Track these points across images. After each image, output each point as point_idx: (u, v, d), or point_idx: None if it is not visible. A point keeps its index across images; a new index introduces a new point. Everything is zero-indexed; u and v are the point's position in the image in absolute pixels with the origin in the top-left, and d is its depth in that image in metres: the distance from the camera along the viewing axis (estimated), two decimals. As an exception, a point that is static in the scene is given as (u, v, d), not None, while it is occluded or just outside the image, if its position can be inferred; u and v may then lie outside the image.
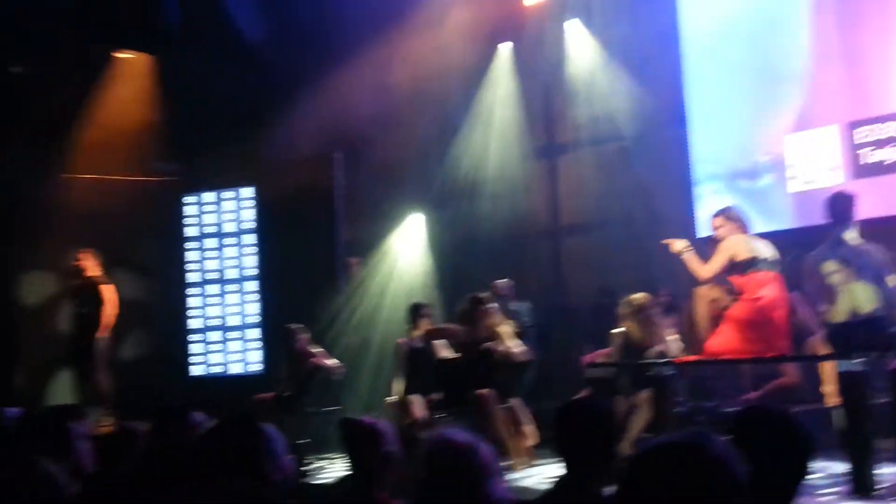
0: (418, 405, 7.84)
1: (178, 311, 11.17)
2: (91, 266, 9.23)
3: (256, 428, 2.43)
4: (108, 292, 9.00)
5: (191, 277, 11.26)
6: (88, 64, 10.49)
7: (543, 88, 10.90)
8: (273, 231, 10.85)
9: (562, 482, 2.49)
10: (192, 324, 11.22)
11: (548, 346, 9.35)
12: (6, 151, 10.65)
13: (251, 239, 11.11)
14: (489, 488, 2.18)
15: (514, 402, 7.34)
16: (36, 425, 2.79)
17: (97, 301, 8.96)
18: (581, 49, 10.69)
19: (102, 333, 8.88)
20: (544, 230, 10.78)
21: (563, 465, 2.56)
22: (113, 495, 2.34)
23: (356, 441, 2.80)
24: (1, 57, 10.05)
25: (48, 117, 10.45)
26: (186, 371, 11.07)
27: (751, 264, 6.10)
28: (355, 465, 2.79)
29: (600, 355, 7.80)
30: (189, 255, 11.31)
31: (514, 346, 7.51)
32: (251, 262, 11.09)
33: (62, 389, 9.79)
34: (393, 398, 8.19)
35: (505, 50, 10.82)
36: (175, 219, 11.24)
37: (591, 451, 2.49)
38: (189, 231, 11.34)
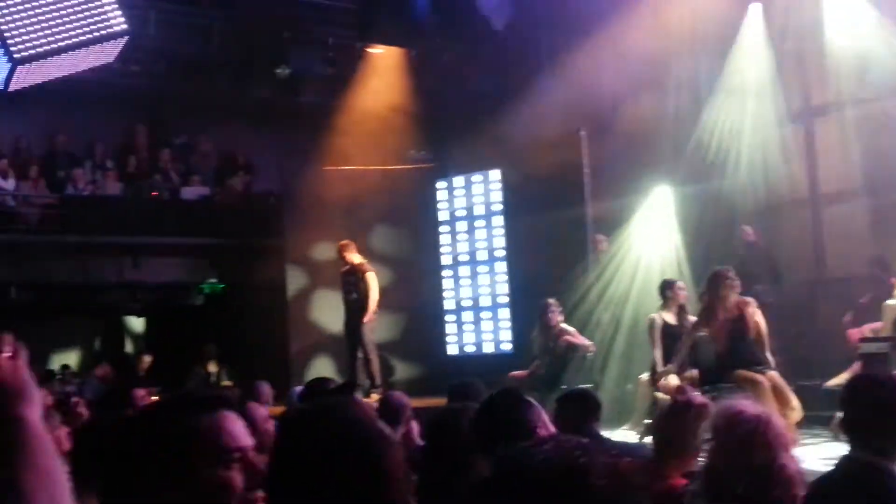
0: (673, 381, 7.69)
1: (433, 292, 11.80)
2: (354, 254, 9.69)
3: (526, 400, 2.59)
4: (373, 279, 9.44)
5: (444, 260, 11.89)
6: (346, 61, 11.31)
7: (797, 48, 10.25)
8: (520, 211, 11.13)
9: (852, 460, 2.48)
10: (447, 304, 11.90)
11: (808, 320, 9.03)
12: (275, 150, 11.86)
13: (499, 220, 11.55)
14: (783, 460, 2.19)
15: (775, 377, 7.04)
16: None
17: (363, 287, 9.42)
18: (838, 2, 10.00)
19: (370, 318, 9.36)
20: (802, 199, 10.27)
21: (852, 442, 2.53)
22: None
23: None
24: (269, 61, 11.16)
25: (309, 114, 11.37)
26: (444, 350, 11.75)
27: None
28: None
29: (869, 329, 7.45)
30: (441, 239, 11.94)
31: (761, 320, 7.23)
32: (500, 243, 11.50)
33: (325, 370, 10.55)
34: (646, 375, 8.14)
35: (755, 10, 10.33)
36: (428, 204, 11.87)
37: (883, 429, 2.45)
38: (441, 215, 11.96)
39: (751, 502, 2.13)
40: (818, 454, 6.25)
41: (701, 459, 2.50)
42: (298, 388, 5.25)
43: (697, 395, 2.91)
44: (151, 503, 1.26)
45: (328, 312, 10.77)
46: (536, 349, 9.13)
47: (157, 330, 13.62)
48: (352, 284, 9.49)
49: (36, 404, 1.07)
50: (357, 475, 1.29)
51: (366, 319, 9.30)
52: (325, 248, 10.75)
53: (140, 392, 5.07)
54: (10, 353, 1.08)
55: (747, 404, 2.27)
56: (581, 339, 9.04)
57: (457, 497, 1.70)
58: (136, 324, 14.36)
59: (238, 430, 1.33)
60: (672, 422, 2.72)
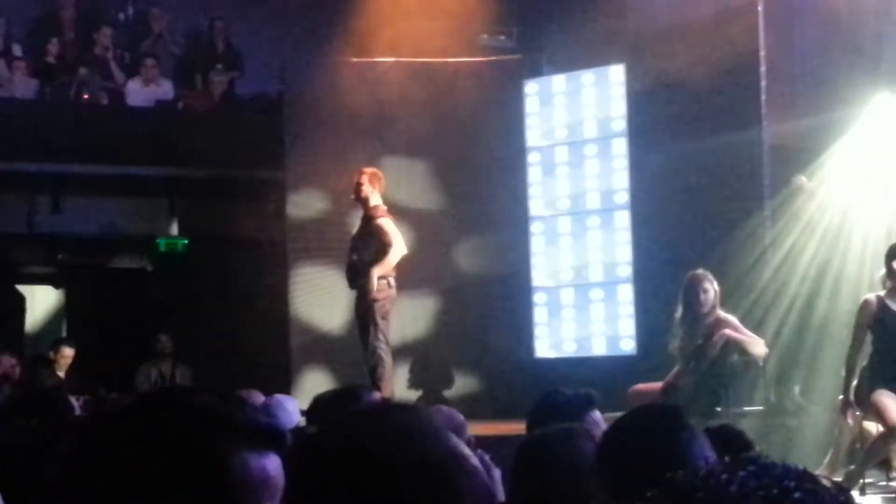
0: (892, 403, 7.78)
1: (515, 260, 11.70)
2: (375, 192, 9.73)
3: (686, 426, 2.66)
4: (388, 225, 9.58)
5: (533, 208, 11.69)
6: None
7: None
8: (656, 133, 10.91)
9: None
10: (536, 279, 11.68)
11: None
12: (273, 32, 11.91)
13: (621, 146, 11.27)
14: None
15: None
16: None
17: (373, 242, 9.56)
18: None
19: (378, 290, 9.46)
20: None
21: None
22: None
23: None
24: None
25: None
26: (529, 349, 11.59)
27: None
28: None
29: None
30: (530, 175, 11.70)
31: None
32: (622, 183, 11.26)
33: (340, 374, 10.89)
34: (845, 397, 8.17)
35: None
36: (509, 119, 11.67)
37: None
38: (530, 137, 11.71)
39: None
40: None
41: None
42: (289, 402, 5.52)
43: None
44: None
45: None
46: (678, 349, 9.11)
47: (84, 308, 13.67)
48: (357, 240, 9.69)
49: None
50: None
51: (370, 290, 9.39)
52: (344, 185, 10.61)
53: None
54: None
55: None
56: (749, 336, 8.98)
57: None
58: (52, 297, 14.37)
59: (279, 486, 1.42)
60: None
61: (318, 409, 4.67)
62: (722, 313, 8.97)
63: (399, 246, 9.50)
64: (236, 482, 1.33)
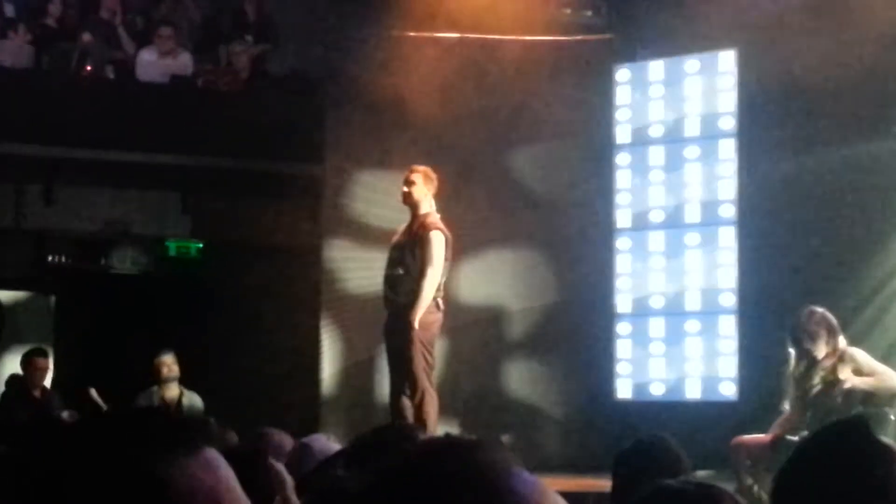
0: None
1: (594, 281, 11.49)
2: (425, 196, 9.46)
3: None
4: (438, 241, 9.29)
5: (619, 219, 11.46)
6: None
7: None
8: (773, 134, 10.70)
9: None
10: (620, 305, 11.42)
11: None
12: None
13: (730, 147, 11.03)
14: None
15: None
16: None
17: (419, 256, 9.34)
18: None
19: (419, 315, 9.18)
20: None
21: None
22: None
23: None
24: None
25: None
26: (609, 390, 11.36)
27: None
28: None
29: None
30: (618, 179, 11.45)
31: None
32: (727, 193, 11.00)
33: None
34: None
35: None
36: (595, 110, 11.55)
37: None
38: (619, 133, 11.48)
39: None
40: None
41: None
42: (319, 439, 5.15)
43: None
44: None
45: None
46: (791, 394, 8.89)
47: (77, 319, 13.18)
48: (400, 249, 9.43)
49: None
50: None
51: (413, 316, 9.10)
52: (393, 184, 10.31)
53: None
54: None
55: None
56: (880, 373, 8.68)
57: None
58: (39, 305, 13.82)
59: (224, 482, 1.45)
60: None
61: (360, 453, 4.25)
62: (844, 347, 8.64)
63: (434, 277, 9.17)
64: (176, 494, 1.40)
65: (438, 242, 9.22)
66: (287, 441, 5.67)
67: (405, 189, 9.39)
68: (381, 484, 1.42)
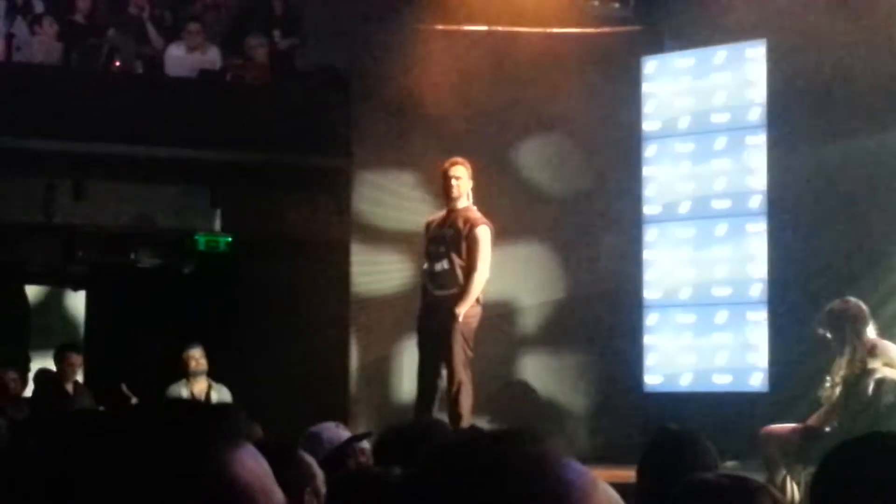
0: None
1: (624, 271, 11.52)
2: (466, 189, 9.52)
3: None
4: (485, 237, 9.35)
5: (649, 209, 11.48)
6: None
7: None
8: (804, 126, 10.66)
9: None
10: (648, 295, 11.42)
11: None
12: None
13: (760, 141, 11.00)
14: None
15: None
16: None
17: (465, 251, 9.37)
18: None
19: (468, 311, 9.29)
20: None
21: None
22: None
23: None
24: None
25: None
26: (637, 380, 11.36)
27: None
28: None
29: None
30: (645, 171, 11.49)
31: None
32: (758, 184, 11.00)
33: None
34: None
35: None
36: (624, 103, 11.52)
37: None
38: (648, 125, 11.52)
39: None
40: None
41: None
42: (328, 428, 5.05)
43: None
44: None
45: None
46: (825, 387, 8.76)
47: (107, 314, 13.36)
48: (443, 243, 9.39)
49: None
50: None
51: (460, 310, 9.16)
52: (423, 177, 10.88)
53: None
54: None
55: None
56: None
57: None
58: (69, 300, 14.05)
59: (266, 475, 1.48)
60: None
61: (391, 444, 4.44)
62: (875, 339, 8.57)
63: (484, 271, 9.28)
64: (231, 483, 1.42)
65: (487, 237, 9.27)
66: (337, 433, 5.50)
67: (452, 182, 9.35)
68: (424, 474, 1.42)
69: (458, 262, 9.23)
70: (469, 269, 9.19)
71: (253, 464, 1.44)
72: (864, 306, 8.64)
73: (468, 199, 9.40)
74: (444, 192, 9.43)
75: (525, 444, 1.37)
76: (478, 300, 9.34)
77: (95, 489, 1.38)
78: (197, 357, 11.40)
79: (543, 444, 1.38)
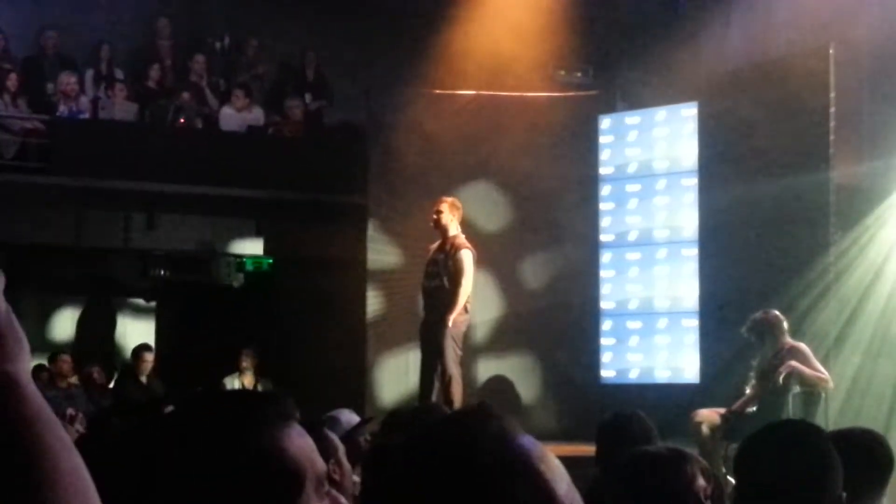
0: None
1: (584, 287, 11.79)
2: (454, 221, 9.90)
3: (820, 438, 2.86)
4: (467, 259, 9.66)
5: (604, 237, 11.80)
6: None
7: None
8: (725, 170, 10.93)
9: None
10: (604, 305, 11.78)
11: None
12: (360, 62, 12.26)
13: (692, 182, 11.34)
14: None
15: None
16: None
17: (452, 270, 9.72)
18: None
19: (455, 317, 9.65)
20: None
21: None
22: None
23: None
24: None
25: (413, 12, 11.97)
26: (594, 374, 11.73)
27: None
28: None
29: None
30: (603, 205, 11.83)
31: None
32: (691, 219, 11.32)
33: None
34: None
35: None
36: (584, 153, 11.80)
37: None
38: (603, 170, 11.84)
39: None
40: None
41: None
42: (344, 413, 5.44)
43: None
44: None
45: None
46: (751, 381, 9.19)
47: (174, 321, 13.97)
48: (436, 265, 9.78)
49: (23, 360, 1.13)
50: None
51: (448, 318, 9.55)
52: (425, 211, 10.81)
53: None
54: None
55: None
56: (816, 369, 9.00)
57: None
58: (144, 310, 14.54)
59: (312, 449, 1.47)
60: None
61: (396, 421, 4.69)
62: (791, 342, 9.07)
63: (467, 286, 9.61)
64: (286, 458, 1.43)
65: (469, 259, 9.61)
66: (351, 418, 5.65)
67: (434, 217, 9.78)
68: (416, 442, 1.46)
69: (447, 279, 9.63)
70: (454, 285, 9.54)
71: (300, 439, 1.44)
72: (781, 316, 8.97)
73: (456, 229, 9.75)
74: (432, 224, 9.82)
75: (492, 420, 1.39)
76: (466, 308, 9.61)
77: (171, 461, 1.40)
78: (247, 356, 12.04)
79: (505, 422, 1.41)
